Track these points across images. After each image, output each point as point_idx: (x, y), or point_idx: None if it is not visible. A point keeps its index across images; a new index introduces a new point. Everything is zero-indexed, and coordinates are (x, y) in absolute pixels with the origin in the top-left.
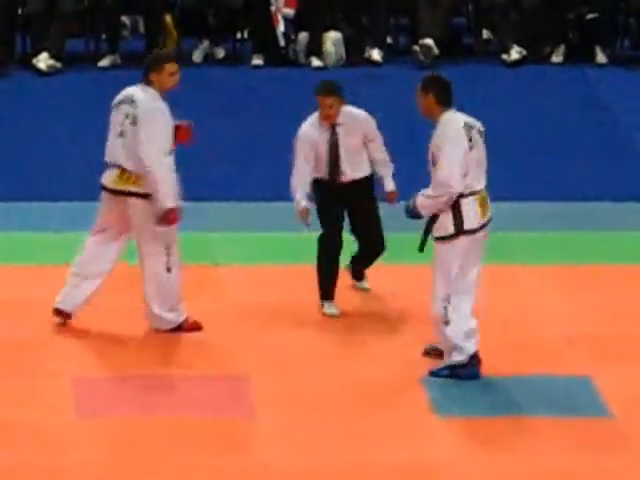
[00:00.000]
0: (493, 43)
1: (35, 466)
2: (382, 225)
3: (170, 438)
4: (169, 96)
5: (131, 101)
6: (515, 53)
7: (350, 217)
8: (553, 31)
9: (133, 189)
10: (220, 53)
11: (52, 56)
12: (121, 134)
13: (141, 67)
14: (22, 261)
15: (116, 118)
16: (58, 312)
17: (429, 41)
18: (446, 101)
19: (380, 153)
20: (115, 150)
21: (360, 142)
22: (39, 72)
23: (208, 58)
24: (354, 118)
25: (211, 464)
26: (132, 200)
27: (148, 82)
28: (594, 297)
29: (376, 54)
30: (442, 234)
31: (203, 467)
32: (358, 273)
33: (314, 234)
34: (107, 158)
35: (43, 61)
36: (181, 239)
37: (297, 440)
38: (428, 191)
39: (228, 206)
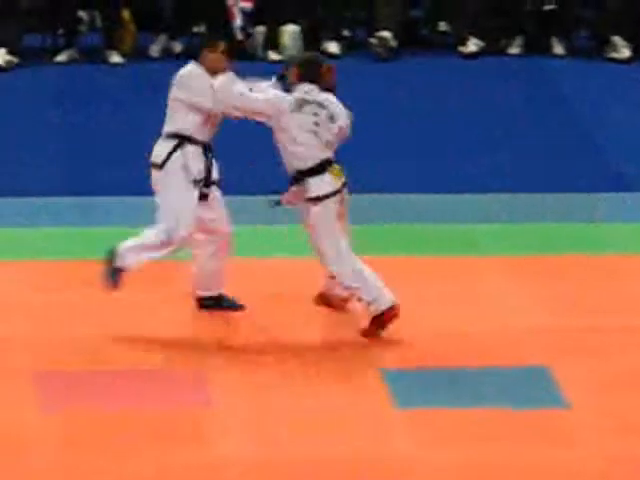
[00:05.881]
0: (450, 35)
1: None
2: None
3: (127, 432)
4: (120, 90)
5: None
6: (472, 45)
7: None
8: (510, 23)
9: None
10: (177, 47)
11: (9, 51)
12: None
13: (98, 62)
14: None
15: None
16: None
17: (386, 33)
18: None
19: None
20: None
21: None
22: None
23: (165, 52)
24: None
25: (170, 457)
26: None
27: (319, 81)
28: (553, 288)
29: (333, 47)
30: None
31: (161, 461)
32: None
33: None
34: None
35: (0, 56)
36: None
37: (256, 431)
38: None
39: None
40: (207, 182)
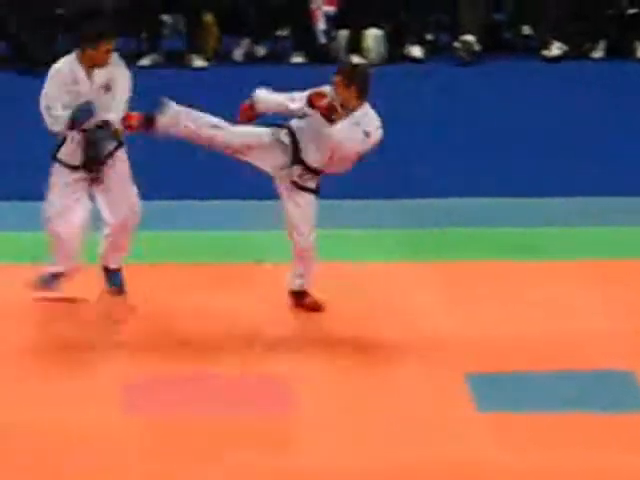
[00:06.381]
0: (533, 39)
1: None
2: None
3: (208, 437)
4: (202, 95)
5: None
6: (555, 49)
7: None
8: (593, 27)
9: None
10: (261, 51)
11: None
12: None
13: (181, 66)
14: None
15: None
16: None
17: (470, 37)
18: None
19: None
20: None
21: None
22: None
23: (249, 56)
24: None
25: (250, 464)
26: None
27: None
28: (622, 293)
29: (417, 51)
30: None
31: (241, 468)
32: None
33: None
34: None
35: None
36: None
37: (337, 436)
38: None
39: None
40: (86, 166)
